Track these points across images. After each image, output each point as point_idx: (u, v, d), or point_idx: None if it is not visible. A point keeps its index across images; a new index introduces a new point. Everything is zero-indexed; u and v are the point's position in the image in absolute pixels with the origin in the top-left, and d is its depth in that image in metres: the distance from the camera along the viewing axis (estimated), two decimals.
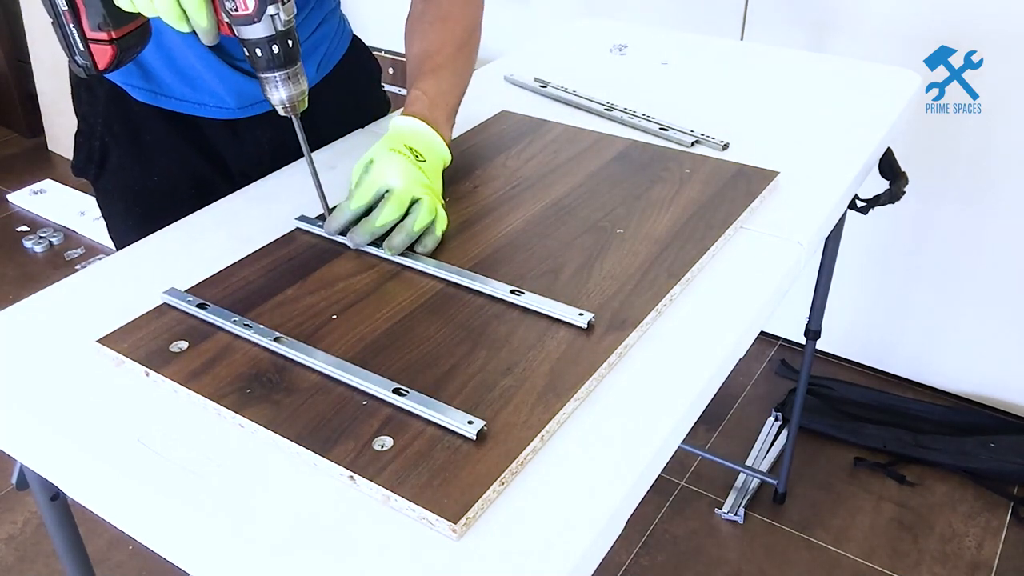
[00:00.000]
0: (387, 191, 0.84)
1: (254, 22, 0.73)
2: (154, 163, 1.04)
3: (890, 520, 1.75)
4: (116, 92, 1.01)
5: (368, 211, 0.85)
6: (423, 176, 0.86)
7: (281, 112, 0.80)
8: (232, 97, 1.01)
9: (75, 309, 0.80)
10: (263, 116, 1.04)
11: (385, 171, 0.84)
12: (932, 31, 1.71)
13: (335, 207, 0.86)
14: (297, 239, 0.88)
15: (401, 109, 0.93)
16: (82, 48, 0.78)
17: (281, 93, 0.78)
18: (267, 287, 0.80)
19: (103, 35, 0.77)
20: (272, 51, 0.76)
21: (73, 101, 1.05)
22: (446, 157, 0.91)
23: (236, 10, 0.73)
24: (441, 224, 0.86)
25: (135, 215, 1.05)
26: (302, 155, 0.86)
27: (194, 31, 0.75)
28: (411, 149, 0.86)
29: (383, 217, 0.83)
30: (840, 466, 1.87)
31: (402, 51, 1.01)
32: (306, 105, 0.81)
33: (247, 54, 0.76)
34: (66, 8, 0.76)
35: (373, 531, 0.57)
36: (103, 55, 0.79)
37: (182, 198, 1.01)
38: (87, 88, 1.03)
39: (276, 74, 0.77)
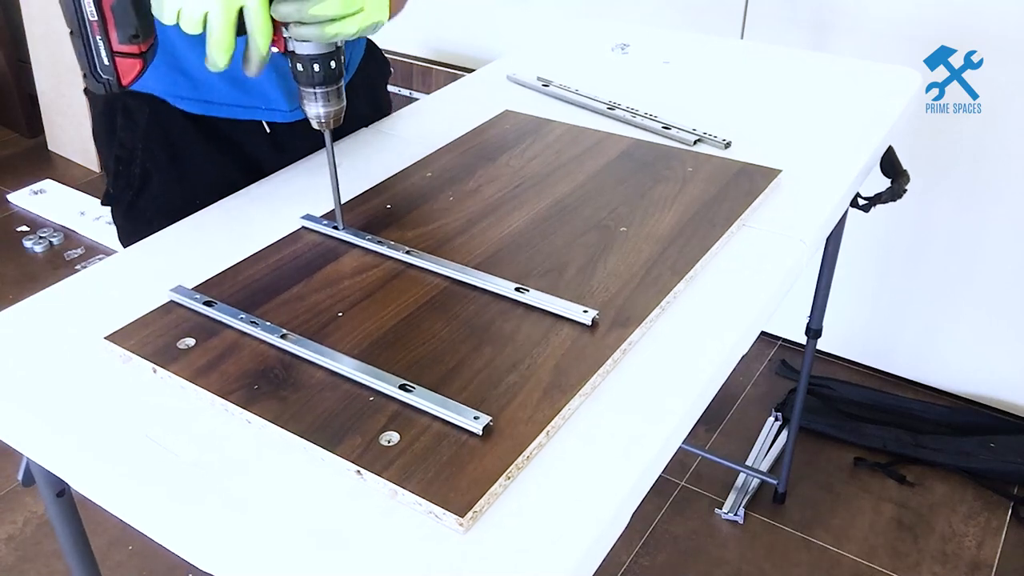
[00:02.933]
0: None
1: None
2: (197, 186, 1.01)
3: (890, 520, 1.75)
4: (156, 116, 0.98)
5: None
6: None
7: (315, 126, 0.80)
8: (284, 98, 0.99)
9: (82, 307, 0.80)
10: (307, 125, 1.02)
11: None
12: (932, 31, 1.71)
13: None
14: (303, 237, 0.88)
15: None
16: (107, 63, 0.70)
17: (319, 108, 0.78)
18: (273, 285, 0.80)
19: (133, 48, 0.70)
20: (329, 66, 0.76)
21: (105, 129, 1.00)
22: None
23: None
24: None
25: None
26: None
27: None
28: None
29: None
30: (840, 466, 1.87)
31: (403, 52, 0.99)
32: (341, 121, 0.80)
33: (294, 67, 0.76)
34: (95, 19, 0.68)
35: (380, 525, 0.57)
36: (130, 70, 0.71)
37: None
38: (125, 114, 0.99)
39: (318, 90, 0.77)
